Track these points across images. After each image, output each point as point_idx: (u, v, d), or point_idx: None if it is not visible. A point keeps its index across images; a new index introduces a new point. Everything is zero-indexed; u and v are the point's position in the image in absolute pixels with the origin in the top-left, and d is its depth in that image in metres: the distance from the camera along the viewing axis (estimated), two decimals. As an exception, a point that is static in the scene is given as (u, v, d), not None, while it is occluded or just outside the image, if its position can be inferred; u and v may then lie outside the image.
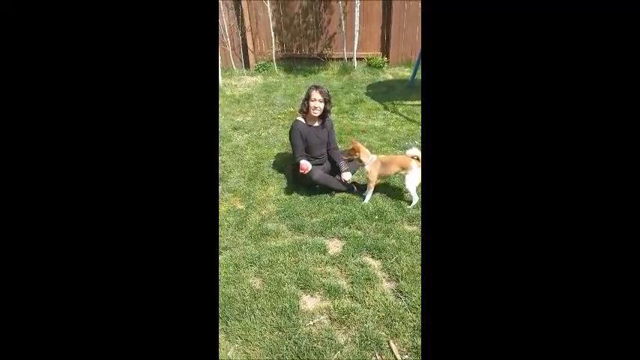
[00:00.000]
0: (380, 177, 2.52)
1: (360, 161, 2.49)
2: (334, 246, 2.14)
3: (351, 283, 1.84)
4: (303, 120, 2.67)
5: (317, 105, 2.56)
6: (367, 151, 2.51)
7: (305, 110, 2.63)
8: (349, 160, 2.56)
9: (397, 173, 2.55)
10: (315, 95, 2.55)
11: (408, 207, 2.40)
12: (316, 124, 2.70)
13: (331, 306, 1.72)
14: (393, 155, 2.64)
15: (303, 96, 2.67)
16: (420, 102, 3.99)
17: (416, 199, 2.42)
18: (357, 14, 5.12)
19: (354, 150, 2.46)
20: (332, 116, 3.52)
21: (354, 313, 1.67)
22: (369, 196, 2.50)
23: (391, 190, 2.60)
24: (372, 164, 2.48)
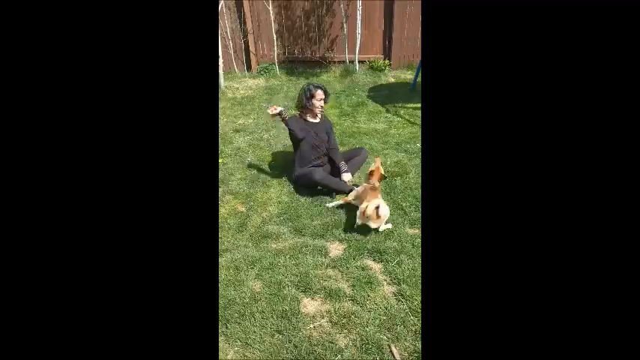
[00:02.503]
0: None
1: None
2: (335, 249, 2.13)
3: (352, 286, 1.84)
4: (299, 117, 2.71)
5: (322, 104, 2.67)
6: None
7: (309, 108, 2.66)
8: None
9: None
10: (320, 95, 2.64)
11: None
12: (316, 120, 2.74)
13: (332, 309, 1.71)
14: None
15: (303, 95, 2.67)
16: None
17: None
18: (359, 17, 5.13)
19: None
20: (334, 119, 3.52)
21: (355, 316, 1.66)
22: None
23: (392, 192, 2.59)
24: None
